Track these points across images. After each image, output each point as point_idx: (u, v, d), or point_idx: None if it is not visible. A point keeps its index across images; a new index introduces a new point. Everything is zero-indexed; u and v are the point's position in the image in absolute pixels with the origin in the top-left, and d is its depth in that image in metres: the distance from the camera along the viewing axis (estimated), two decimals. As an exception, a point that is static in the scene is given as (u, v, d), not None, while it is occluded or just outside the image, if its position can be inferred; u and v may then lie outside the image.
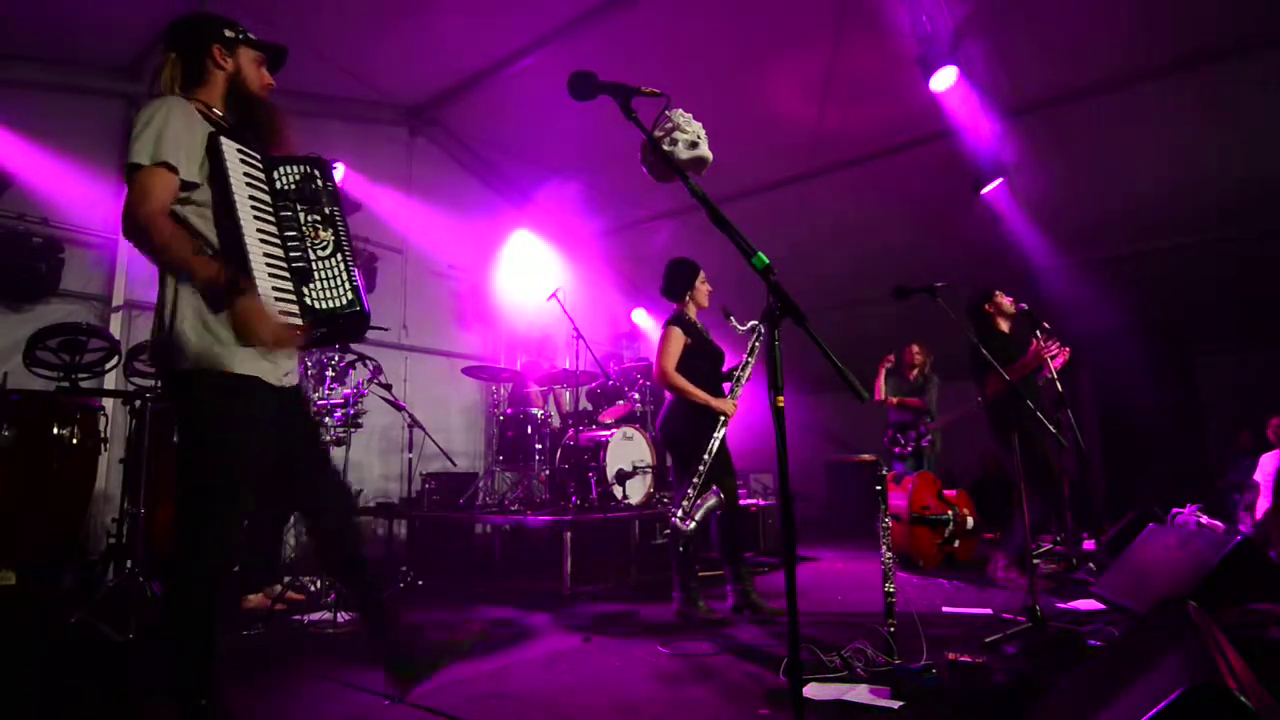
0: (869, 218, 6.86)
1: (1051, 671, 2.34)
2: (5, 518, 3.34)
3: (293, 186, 1.91)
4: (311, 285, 1.85)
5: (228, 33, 1.96)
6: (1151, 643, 1.68)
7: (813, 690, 2.29)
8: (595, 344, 5.94)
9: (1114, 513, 5.45)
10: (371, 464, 6.23)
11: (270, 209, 1.86)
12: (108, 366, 3.78)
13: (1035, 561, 3.67)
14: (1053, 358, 4.02)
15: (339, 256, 1.93)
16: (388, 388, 4.47)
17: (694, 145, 2.05)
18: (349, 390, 4.05)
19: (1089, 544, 5.23)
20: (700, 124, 2.08)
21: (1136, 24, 4.71)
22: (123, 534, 3.34)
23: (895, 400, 6.02)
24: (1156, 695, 1.27)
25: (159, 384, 3.70)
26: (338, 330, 1.99)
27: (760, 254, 1.52)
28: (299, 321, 1.81)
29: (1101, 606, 3.42)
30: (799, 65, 5.49)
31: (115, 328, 4.72)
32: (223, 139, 1.80)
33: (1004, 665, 2.35)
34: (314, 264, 1.88)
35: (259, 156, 1.89)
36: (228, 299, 1.72)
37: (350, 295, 1.90)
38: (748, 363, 3.60)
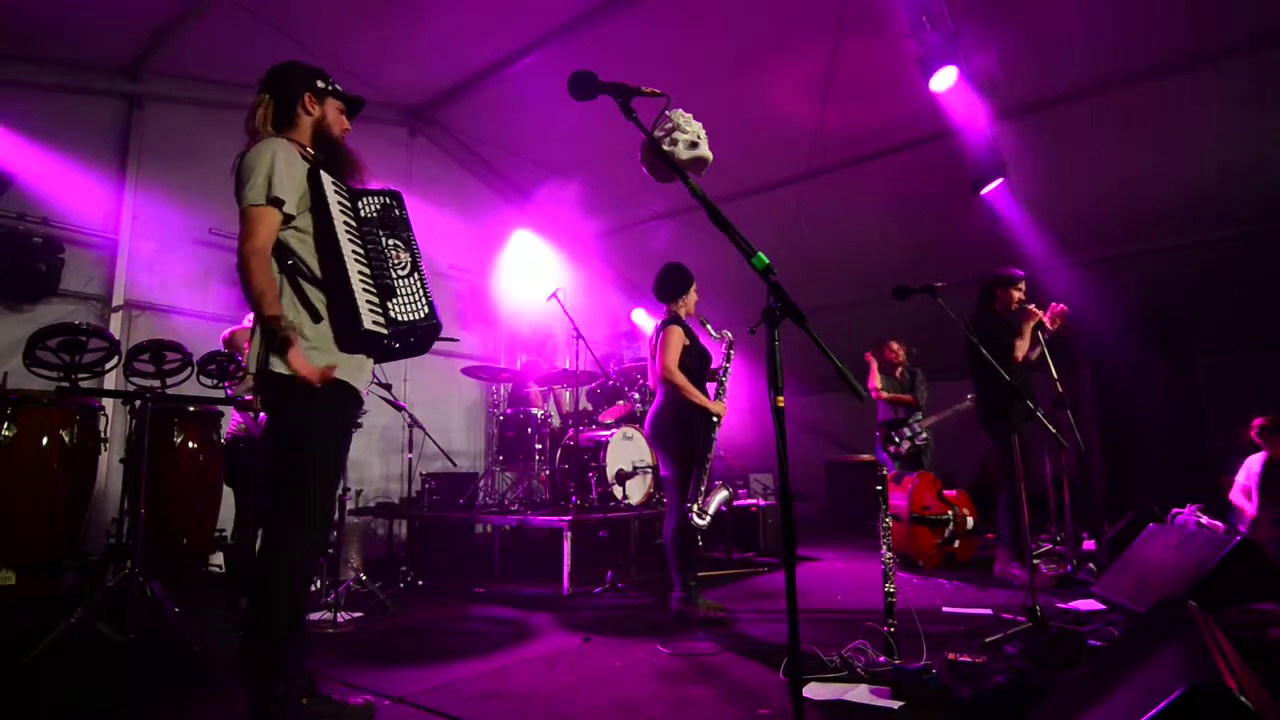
0: (869, 217, 6.85)
1: (1051, 671, 2.34)
2: (5, 518, 3.33)
3: (375, 214, 2.16)
4: (394, 300, 2.07)
5: (319, 84, 2.19)
6: (1151, 642, 1.68)
7: (813, 690, 2.29)
8: (595, 344, 5.94)
9: (1114, 513, 5.44)
10: (371, 464, 6.23)
11: (358, 234, 2.08)
12: (108, 366, 3.77)
13: (1035, 562, 3.67)
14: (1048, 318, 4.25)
15: (415, 276, 2.17)
16: (388, 388, 4.47)
17: (694, 145, 2.04)
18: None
19: (1089, 544, 5.23)
20: (700, 124, 2.08)
21: (1137, 24, 4.71)
22: (123, 534, 3.33)
23: (887, 396, 5.93)
24: (1156, 695, 1.26)
25: (160, 384, 3.70)
26: (411, 342, 2.15)
27: (760, 254, 1.52)
28: (385, 331, 2.00)
29: (1101, 606, 3.42)
30: (799, 65, 5.48)
31: (115, 328, 4.72)
32: (322, 173, 2.03)
33: (1004, 665, 2.35)
34: (396, 282, 2.10)
35: (346, 189, 2.13)
36: (277, 347, 1.87)
37: (427, 309, 2.13)
38: (725, 369, 3.79)
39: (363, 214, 2.12)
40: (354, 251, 2.01)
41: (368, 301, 1.98)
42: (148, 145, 5.11)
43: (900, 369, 6.05)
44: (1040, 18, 4.82)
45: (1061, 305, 4.35)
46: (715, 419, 3.61)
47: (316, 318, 1.98)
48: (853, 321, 7.22)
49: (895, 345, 6.04)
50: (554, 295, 5.26)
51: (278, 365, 1.89)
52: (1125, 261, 6.44)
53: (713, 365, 3.82)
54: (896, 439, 5.83)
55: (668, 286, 3.80)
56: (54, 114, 4.68)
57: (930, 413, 5.94)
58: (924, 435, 5.85)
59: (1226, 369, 6.55)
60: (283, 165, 1.95)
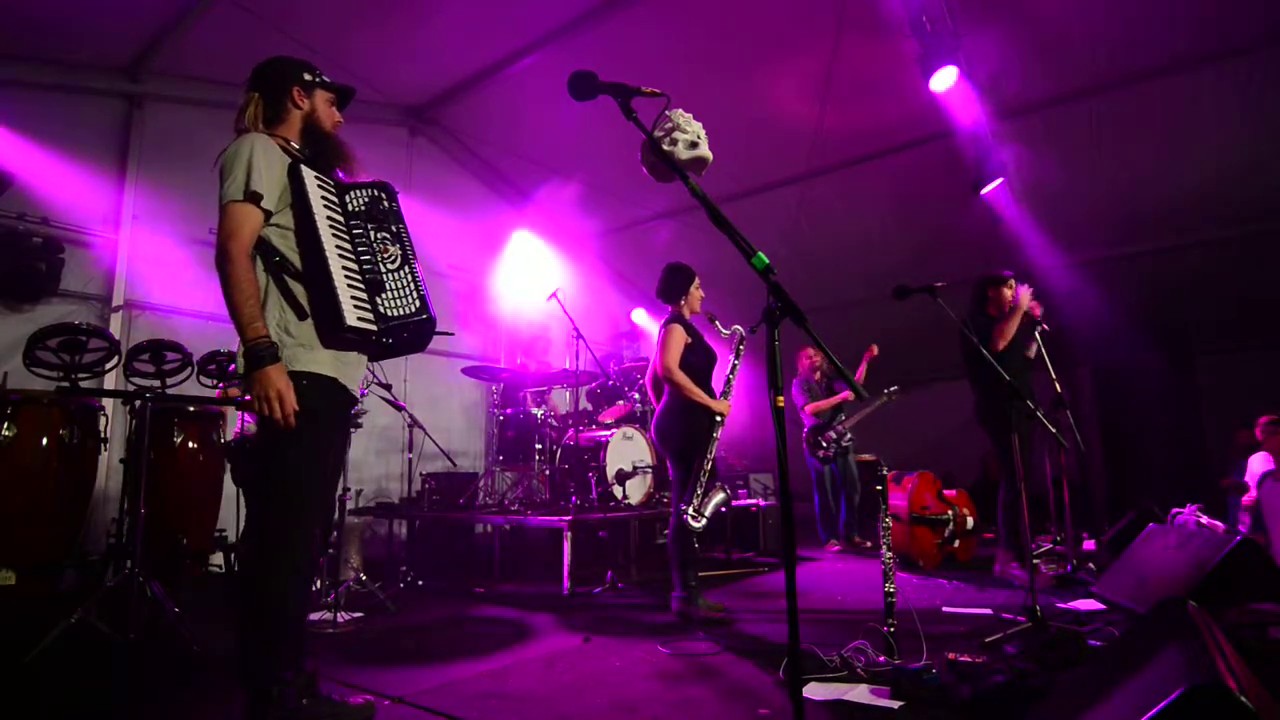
0: (869, 218, 6.85)
1: (1051, 671, 2.34)
2: (5, 517, 3.33)
3: (363, 208, 2.11)
4: (383, 295, 2.02)
5: (306, 76, 2.15)
6: (1151, 643, 1.68)
7: (813, 690, 2.29)
8: (595, 344, 5.94)
9: (1114, 513, 5.44)
10: (371, 464, 6.23)
11: (344, 228, 2.04)
12: (108, 366, 3.77)
13: (1035, 562, 3.67)
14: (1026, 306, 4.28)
15: (406, 269, 2.11)
16: (388, 388, 4.47)
17: (694, 145, 2.04)
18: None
19: (1089, 544, 5.23)
20: (700, 124, 2.08)
21: (1137, 24, 4.71)
22: (123, 534, 3.33)
23: (813, 407, 6.16)
24: (1156, 695, 1.26)
25: (160, 384, 3.70)
26: (405, 339, 2.10)
27: (760, 254, 1.52)
28: (374, 328, 1.96)
29: (1101, 606, 3.42)
30: (799, 65, 5.48)
31: (115, 328, 4.71)
32: (302, 166, 1.99)
33: (1004, 665, 2.35)
34: (385, 276, 2.05)
35: (332, 183, 2.09)
36: (250, 364, 1.83)
37: (418, 303, 2.07)
38: (735, 365, 3.75)
39: (350, 208, 2.08)
40: (338, 246, 1.97)
41: (353, 298, 1.93)
42: (148, 145, 5.11)
43: (818, 373, 6.27)
44: (1040, 17, 4.82)
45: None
46: (719, 418, 3.57)
47: (302, 315, 1.94)
48: (853, 321, 7.22)
49: (810, 352, 6.26)
50: (554, 295, 5.26)
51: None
52: (1125, 261, 6.44)
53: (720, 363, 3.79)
54: (824, 444, 6.12)
55: (669, 286, 3.81)
56: (54, 114, 4.67)
57: (852, 411, 6.26)
58: (848, 437, 6.18)
59: (1226, 369, 6.55)
60: (260, 160, 1.90)
